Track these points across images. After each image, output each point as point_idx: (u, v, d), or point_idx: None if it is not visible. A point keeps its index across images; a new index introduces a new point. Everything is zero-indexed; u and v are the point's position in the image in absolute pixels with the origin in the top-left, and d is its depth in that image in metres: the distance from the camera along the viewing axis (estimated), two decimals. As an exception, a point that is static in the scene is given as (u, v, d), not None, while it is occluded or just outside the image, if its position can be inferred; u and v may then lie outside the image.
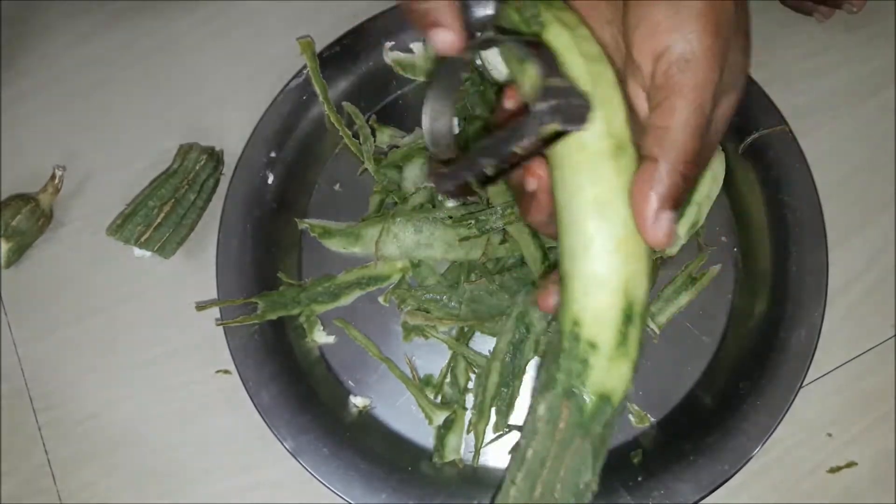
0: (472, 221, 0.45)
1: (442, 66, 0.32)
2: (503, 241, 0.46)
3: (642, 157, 0.28)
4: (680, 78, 0.27)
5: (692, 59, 0.27)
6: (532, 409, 0.29)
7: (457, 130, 0.49)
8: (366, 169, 0.50)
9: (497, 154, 0.28)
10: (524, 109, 0.29)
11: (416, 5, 0.30)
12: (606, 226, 0.27)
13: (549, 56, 0.28)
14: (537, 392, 0.29)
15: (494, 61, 0.51)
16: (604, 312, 0.27)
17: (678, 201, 0.27)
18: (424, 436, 0.46)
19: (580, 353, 0.27)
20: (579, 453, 0.28)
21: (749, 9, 0.30)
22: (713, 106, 0.28)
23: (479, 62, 0.52)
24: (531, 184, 0.31)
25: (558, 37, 0.29)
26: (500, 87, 0.50)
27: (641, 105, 0.30)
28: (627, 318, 0.27)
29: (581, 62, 0.28)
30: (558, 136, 0.28)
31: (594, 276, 0.27)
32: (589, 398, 0.27)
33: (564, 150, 0.28)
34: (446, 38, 0.29)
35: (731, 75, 0.29)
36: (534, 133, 0.27)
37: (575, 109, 0.27)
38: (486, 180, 0.30)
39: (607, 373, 0.28)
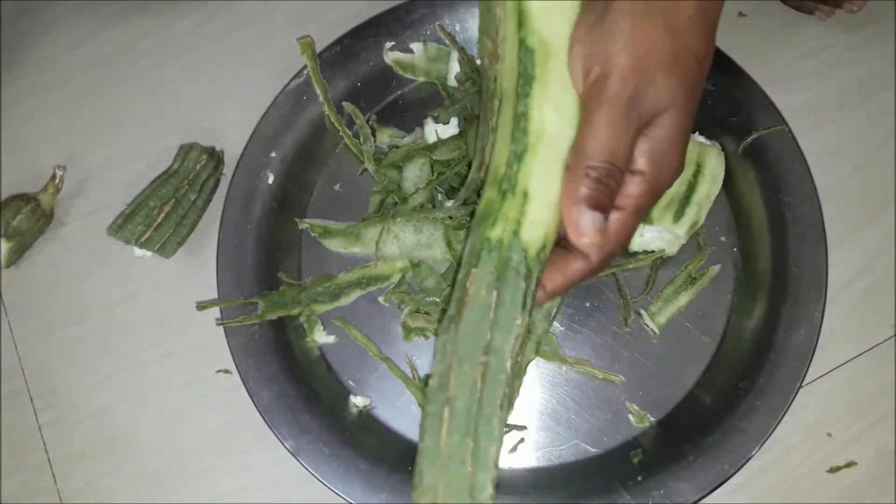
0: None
1: None
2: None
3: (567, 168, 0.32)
4: (595, 93, 0.30)
5: (607, 77, 0.30)
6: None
7: (457, 131, 0.49)
8: (366, 169, 0.50)
9: None
10: None
11: None
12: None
13: None
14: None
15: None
16: None
17: (595, 202, 0.30)
18: (424, 436, 0.46)
19: None
20: None
21: (707, 35, 0.31)
22: (631, 121, 0.30)
23: (478, 62, 0.52)
24: None
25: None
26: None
27: None
28: None
29: None
30: None
31: None
32: None
33: None
34: None
35: (658, 97, 0.30)
36: None
37: None
38: None
39: None
